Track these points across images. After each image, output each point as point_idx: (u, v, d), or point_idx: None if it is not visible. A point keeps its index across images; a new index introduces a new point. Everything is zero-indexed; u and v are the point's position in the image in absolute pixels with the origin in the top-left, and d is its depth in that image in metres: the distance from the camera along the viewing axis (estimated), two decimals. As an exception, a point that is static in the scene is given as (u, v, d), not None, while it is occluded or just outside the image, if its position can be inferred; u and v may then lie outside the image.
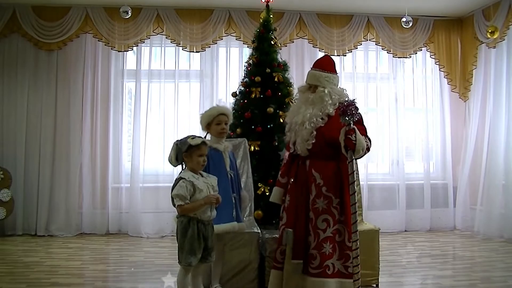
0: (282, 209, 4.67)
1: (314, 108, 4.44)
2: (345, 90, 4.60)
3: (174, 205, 4.04)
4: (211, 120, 4.75)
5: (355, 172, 4.25)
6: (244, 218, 5.48)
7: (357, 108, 4.10)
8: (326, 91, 4.45)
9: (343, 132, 4.14)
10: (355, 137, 4.10)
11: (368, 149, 4.32)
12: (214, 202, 4.10)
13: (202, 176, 4.17)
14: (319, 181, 4.38)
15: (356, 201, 4.20)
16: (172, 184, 4.11)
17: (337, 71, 4.74)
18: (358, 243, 4.17)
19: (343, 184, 4.34)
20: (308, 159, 4.47)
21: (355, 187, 4.25)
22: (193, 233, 4.00)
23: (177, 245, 4.12)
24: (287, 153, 4.77)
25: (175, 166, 4.41)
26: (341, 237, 4.34)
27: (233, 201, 4.64)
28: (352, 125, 4.10)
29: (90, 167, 8.23)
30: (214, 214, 4.19)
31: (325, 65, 4.63)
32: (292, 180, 4.57)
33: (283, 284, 4.49)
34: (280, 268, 4.54)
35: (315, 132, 4.37)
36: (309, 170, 4.44)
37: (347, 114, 4.04)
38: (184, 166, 4.28)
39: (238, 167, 5.55)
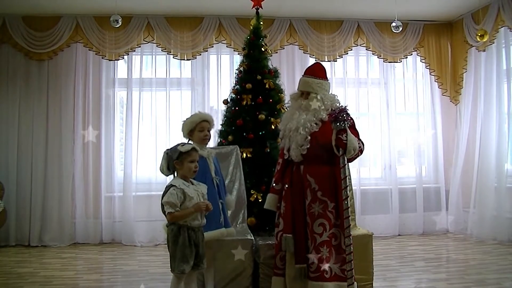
0: (278, 215, 4.71)
1: (307, 114, 4.51)
2: (336, 96, 4.67)
3: (163, 212, 4.03)
4: (194, 127, 4.76)
5: (347, 177, 4.30)
6: (238, 225, 5.50)
7: (348, 114, 4.21)
8: (318, 97, 4.53)
9: (334, 132, 4.23)
10: (346, 137, 4.18)
11: (361, 151, 4.42)
12: (204, 209, 4.09)
13: (193, 184, 4.17)
14: (314, 185, 4.44)
15: (349, 205, 4.25)
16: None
17: (328, 77, 4.80)
18: (352, 248, 4.22)
19: (337, 188, 4.38)
20: (302, 164, 4.52)
21: (348, 192, 4.28)
22: (184, 241, 4.00)
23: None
24: (280, 160, 4.80)
25: (167, 176, 4.41)
26: (337, 241, 4.40)
27: (220, 207, 4.63)
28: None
29: (83, 177, 8.21)
30: (204, 221, 4.19)
31: (317, 72, 4.71)
32: (287, 186, 4.61)
33: None
34: (281, 275, 4.62)
35: (309, 137, 4.42)
36: (304, 175, 4.50)
37: (339, 120, 4.13)
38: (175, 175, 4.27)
39: (231, 174, 5.58)
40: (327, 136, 4.33)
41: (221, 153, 5.62)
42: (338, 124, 4.16)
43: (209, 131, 4.82)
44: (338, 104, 4.52)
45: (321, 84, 4.63)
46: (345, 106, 4.30)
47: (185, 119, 4.88)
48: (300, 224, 4.46)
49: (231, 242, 5.01)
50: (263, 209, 4.88)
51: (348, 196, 4.27)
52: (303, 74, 4.80)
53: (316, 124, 4.46)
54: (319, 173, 4.45)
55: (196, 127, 4.76)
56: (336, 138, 4.23)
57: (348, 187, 4.31)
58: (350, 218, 4.28)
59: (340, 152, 4.25)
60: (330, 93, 4.70)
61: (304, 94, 4.65)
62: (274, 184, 4.80)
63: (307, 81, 4.65)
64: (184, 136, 4.83)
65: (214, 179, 4.68)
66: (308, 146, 4.42)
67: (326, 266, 4.31)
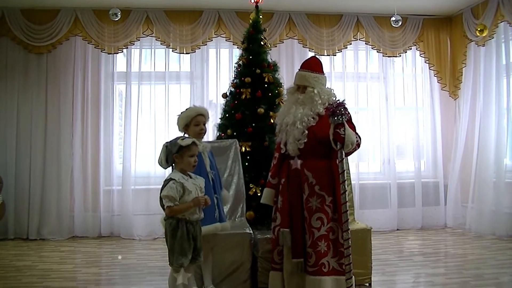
0: (275, 210, 4.70)
1: (304, 108, 4.51)
2: (332, 90, 4.68)
3: (162, 206, 4.02)
4: (189, 121, 4.74)
5: (345, 172, 4.30)
6: (236, 219, 5.50)
7: (346, 108, 4.20)
8: (315, 91, 4.53)
9: (332, 126, 4.22)
10: (344, 131, 4.17)
11: (358, 145, 4.40)
12: (202, 203, 4.09)
13: (191, 177, 4.16)
14: (311, 180, 4.44)
15: (347, 200, 4.24)
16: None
17: (325, 71, 4.83)
18: (350, 242, 4.22)
19: (335, 182, 4.39)
20: (299, 159, 4.51)
21: (346, 186, 4.28)
22: (183, 234, 3.99)
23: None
24: (276, 154, 4.79)
25: (165, 168, 4.41)
26: (334, 235, 4.40)
27: (215, 201, 4.61)
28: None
29: (82, 170, 8.20)
30: (202, 215, 4.19)
31: (313, 66, 4.70)
32: (284, 180, 4.60)
33: (285, 284, 4.55)
34: (279, 269, 4.63)
35: (306, 132, 4.42)
36: (301, 169, 4.49)
37: (337, 114, 4.12)
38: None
39: (229, 168, 5.57)
40: (324, 130, 4.32)
41: (220, 147, 5.63)
42: (335, 118, 4.15)
43: (204, 124, 4.80)
44: (334, 98, 4.52)
45: (317, 78, 4.62)
46: (343, 100, 4.29)
47: (180, 113, 4.85)
48: (297, 219, 4.46)
49: (230, 236, 5.01)
50: (262, 203, 4.88)
51: (346, 190, 4.27)
52: (299, 68, 4.79)
53: (313, 118, 4.45)
54: (316, 168, 4.45)
55: (192, 121, 4.73)
56: (333, 132, 4.23)
57: (346, 181, 4.31)
58: (348, 212, 4.27)
59: (338, 146, 4.24)
60: (326, 87, 4.70)
61: (300, 88, 4.64)
62: (270, 178, 4.79)
63: (304, 75, 4.64)
64: (179, 130, 4.81)
65: (209, 174, 4.67)
66: (305, 140, 4.42)
67: (324, 260, 4.33)
